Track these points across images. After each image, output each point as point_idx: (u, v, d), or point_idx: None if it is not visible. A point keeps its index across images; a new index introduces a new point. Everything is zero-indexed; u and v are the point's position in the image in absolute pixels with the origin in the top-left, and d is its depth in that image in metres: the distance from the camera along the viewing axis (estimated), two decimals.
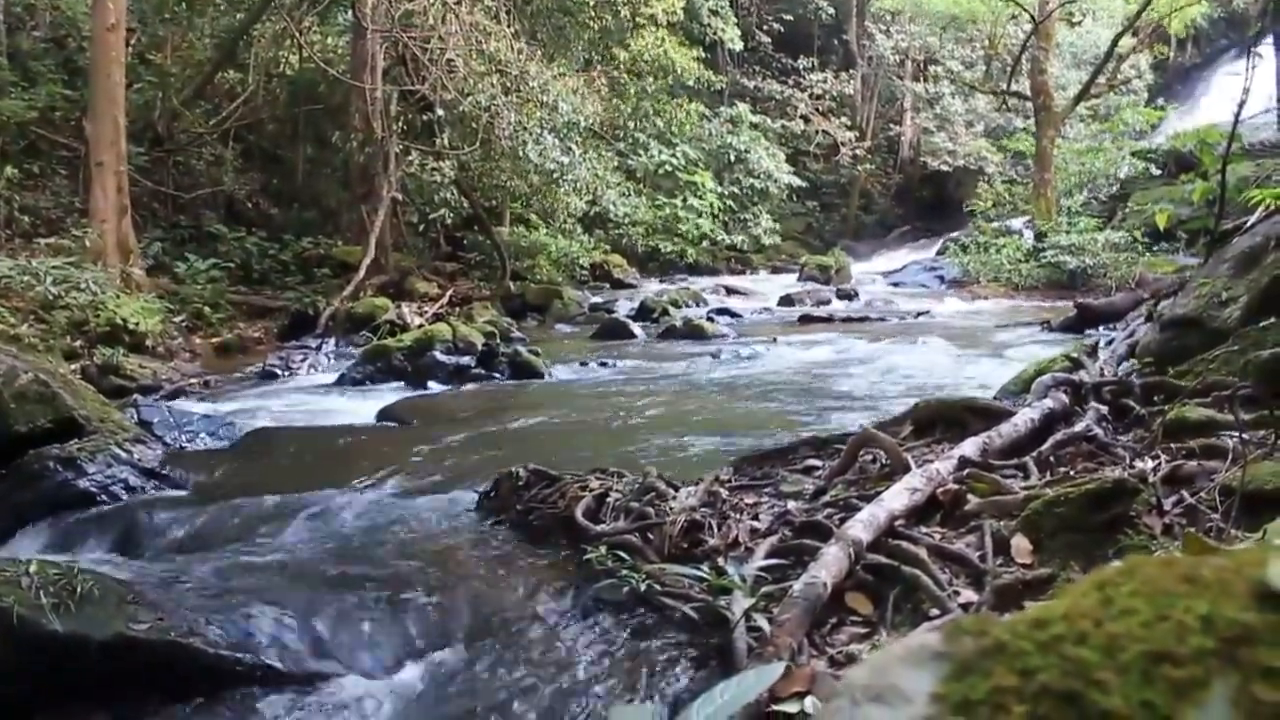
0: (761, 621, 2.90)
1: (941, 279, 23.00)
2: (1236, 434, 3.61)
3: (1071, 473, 4.04)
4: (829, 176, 34.84)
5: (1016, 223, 24.51)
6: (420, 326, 12.33)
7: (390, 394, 9.32)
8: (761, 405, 8.29)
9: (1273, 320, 4.98)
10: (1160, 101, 27.87)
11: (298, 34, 16.45)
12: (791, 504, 4.16)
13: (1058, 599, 0.59)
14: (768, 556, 3.46)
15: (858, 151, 33.86)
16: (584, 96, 17.61)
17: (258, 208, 17.75)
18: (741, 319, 16.89)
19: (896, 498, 3.68)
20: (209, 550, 4.47)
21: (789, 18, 34.28)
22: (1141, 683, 0.51)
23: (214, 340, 12.53)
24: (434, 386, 9.89)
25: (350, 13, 16.64)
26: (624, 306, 17.62)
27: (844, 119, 34.10)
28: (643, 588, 3.40)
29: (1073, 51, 29.63)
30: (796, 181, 30.35)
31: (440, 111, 15.95)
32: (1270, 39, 22.78)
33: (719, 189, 28.25)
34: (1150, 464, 3.82)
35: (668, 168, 26.85)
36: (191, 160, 17.25)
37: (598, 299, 19.46)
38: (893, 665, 0.59)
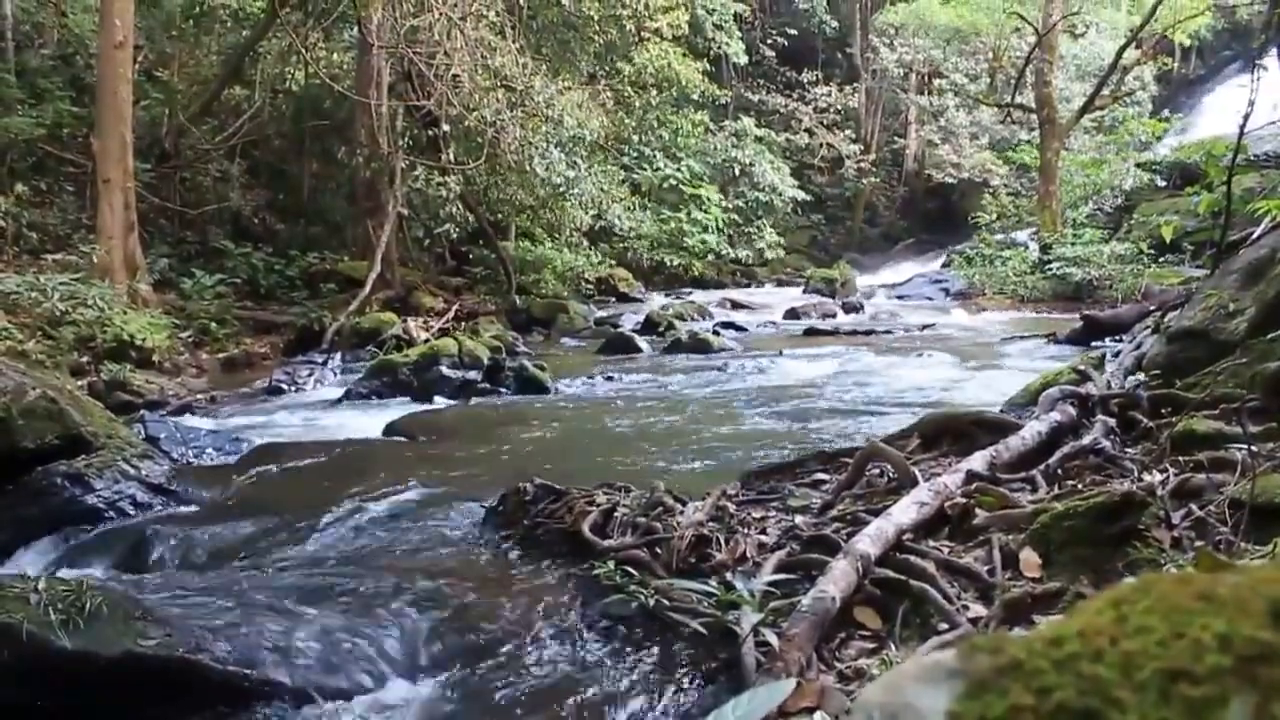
0: (770, 636, 2.89)
1: (947, 291, 22.99)
2: (1245, 446, 3.60)
3: (1079, 486, 4.03)
4: (833, 190, 34.91)
5: (1021, 235, 24.51)
6: (426, 341, 12.33)
7: (396, 409, 9.31)
8: (768, 419, 8.28)
9: None
10: (1164, 113, 27.89)
11: (303, 50, 16.51)
12: (799, 518, 4.16)
13: (1073, 616, 0.59)
14: (776, 571, 3.46)
15: (862, 164, 33.92)
16: (589, 110, 17.66)
17: (264, 223, 17.80)
18: (747, 332, 16.88)
19: (904, 512, 3.67)
20: (216, 566, 4.48)
21: (793, 32, 34.43)
22: (1159, 701, 0.51)
23: (220, 356, 12.55)
24: (440, 401, 9.89)
25: (356, 29, 16.71)
26: (629, 320, 17.62)
27: (848, 132, 34.18)
28: (650, 603, 3.39)
29: (1077, 64, 29.70)
30: (801, 195, 30.39)
31: (445, 126, 15.98)
32: (1275, 51, 22.77)
33: (724, 202, 28.31)
34: (1158, 477, 3.81)
35: (672, 181, 26.90)
36: (198, 176, 17.33)
37: (603, 313, 19.48)
38: (908, 683, 0.59)
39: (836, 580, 3.09)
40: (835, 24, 34.90)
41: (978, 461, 4.27)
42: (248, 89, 18.35)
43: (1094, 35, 30.15)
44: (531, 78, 15.96)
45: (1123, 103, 26.25)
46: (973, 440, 4.88)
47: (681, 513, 4.13)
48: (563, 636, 3.48)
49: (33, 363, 8.38)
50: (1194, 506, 3.47)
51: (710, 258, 27.38)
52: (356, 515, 5.06)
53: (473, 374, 10.58)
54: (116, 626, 3.08)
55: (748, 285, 27.64)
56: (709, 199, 27.48)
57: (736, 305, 21.58)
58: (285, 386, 10.96)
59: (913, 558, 3.39)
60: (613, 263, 23.54)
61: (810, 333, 16.34)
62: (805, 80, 34.62)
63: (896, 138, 36.26)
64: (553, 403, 9.87)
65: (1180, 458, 4.00)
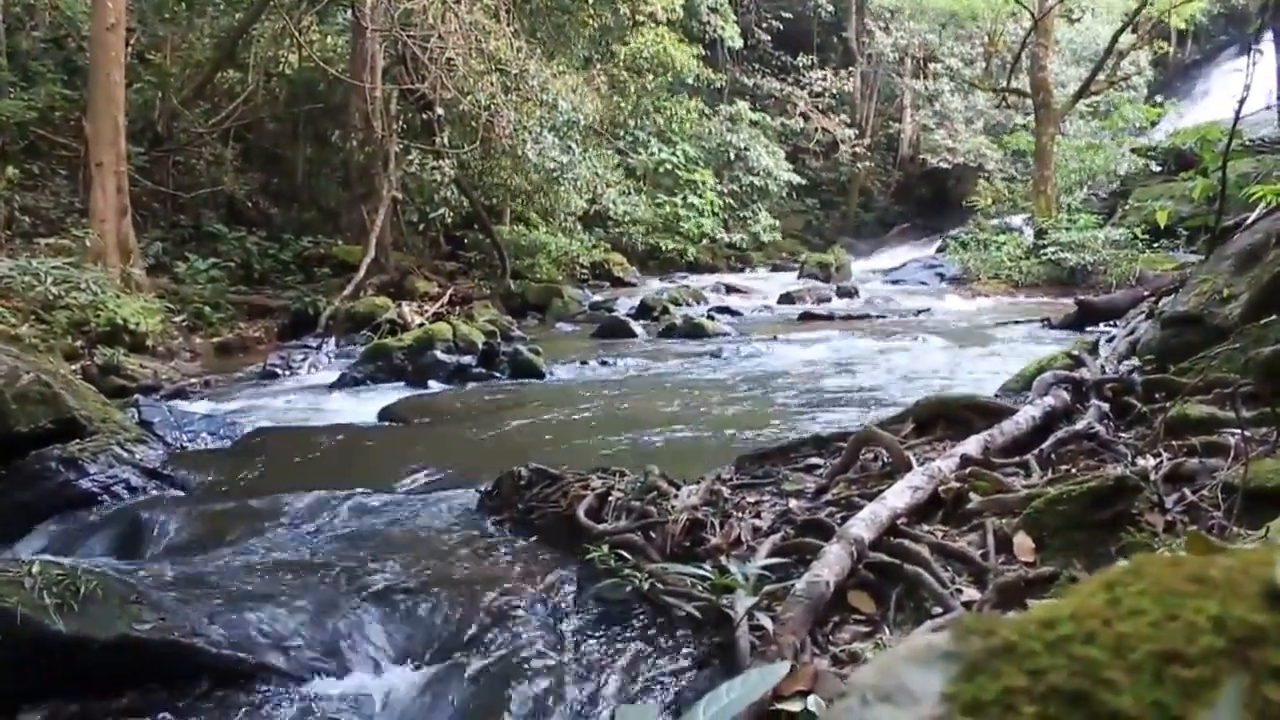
0: (764, 620, 2.90)
1: (941, 276, 22.99)
2: (1238, 431, 3.61)
3: (1073, 470, 4.03)
4: (829, 174, 34.85)
5: (1016, 220, 24.51)
6: (421, 326, 12.32)
7: (391, 393, 9.31)
8: (762, 403, 8.28)
9: (1274, 317, 4.97)
10: (1160, 98, 27.86)
11: (297, 33, 16.43)
12: (793, 502, 4.16)
13: (1065, 598, 0.59)
14: (770, 555, 3.46)
15: (857, 149, 33.85)
16: (583, 94, 17.62)
17: (258, 207, 17.73)
18: (742, 317, 16.87)
19: (898, 496, 3.67)
20: (211, 550, 4.47)
21: (788, 15, 34.30)
22: (1151, 683, 0.51)
23: (214, 340, 12.53)
24: (435, 386, 9.89)
25: (350, 12, 16.63)
26: (624, 305, 17.61)
27: (843, 116, 34.10)
28: (645, 587, 3.40)
29: (1072, 48, 29.63)
30: (796, 179, 30.34)
31: (440, 110, 15.94)
32: (1270, 35, 22.75)
33: (719, 187, 28.26)
34: (1152, 461, 3.82)
35: (667, 166, 26.86)
36: (191, 160, 17.24)
37: (598, 297, 19.46)
38: (901, 665, 0.59)
39: (831, 564, 3.09)
40: (831, 8, 34.76)
41: (972, 446, 4.27)
42: (241, 72, 18.24)
43: (1090, 20, 30.07)
44: (526, 61, 15.91)
45: (1118, 87, 26.22)
46: (967, 425, 4.88)
47: (676, 497, 4.14)
48: (557, 620, 3.49)
49: (26, 347, 8.33)
50: (1187, 491, 3.48)
51: (705, 242, 27.36)
52: (350, 499, 5.06)
53: (467, 359, 10.58)
54: (112, 610, 3.09)
55: (742, 270, 27.63)
56: (704, 183, 27.43)
57: (731, 290, 21.56)
58: (279, 371, 10.95)
59: (907, 542, 3.39)
60: (608, 247, 23.50)
61: (805, 317, 16.34)
62: (800, 64, 34.50)
63: (891, 122, 36.17)
64: (547, 387, 9.87)
65: (1174, 442, 4.01)
